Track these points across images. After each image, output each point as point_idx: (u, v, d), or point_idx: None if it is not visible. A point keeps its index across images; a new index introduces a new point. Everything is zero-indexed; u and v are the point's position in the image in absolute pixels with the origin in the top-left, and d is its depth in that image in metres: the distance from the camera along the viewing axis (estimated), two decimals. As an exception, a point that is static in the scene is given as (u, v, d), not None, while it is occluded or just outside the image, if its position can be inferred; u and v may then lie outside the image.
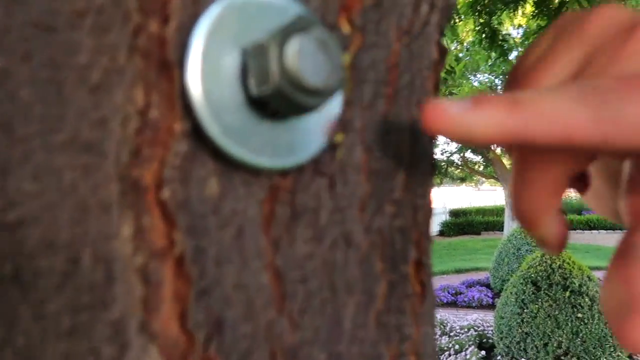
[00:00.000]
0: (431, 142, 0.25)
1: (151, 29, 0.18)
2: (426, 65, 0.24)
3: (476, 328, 4.29)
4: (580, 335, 3.26)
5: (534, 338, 3.36)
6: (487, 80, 9.72)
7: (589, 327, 3.28)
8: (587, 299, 3.33)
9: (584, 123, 0.18)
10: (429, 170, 0.25)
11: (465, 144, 0.20)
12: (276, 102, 0.18)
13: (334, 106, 0.20)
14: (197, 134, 0.19)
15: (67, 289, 0.18)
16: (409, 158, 0.23)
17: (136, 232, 0.18)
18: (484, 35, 4.27)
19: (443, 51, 0.26)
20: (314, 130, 0.20)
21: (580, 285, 3.38)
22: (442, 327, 4.06)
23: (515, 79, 0.24)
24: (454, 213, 16.17)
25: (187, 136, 0.19)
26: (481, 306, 5.82)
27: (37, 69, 0.18)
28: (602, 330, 3.26)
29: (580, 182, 0.27)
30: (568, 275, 3.41)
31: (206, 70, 0.18)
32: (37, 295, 0.18)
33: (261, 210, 0.20)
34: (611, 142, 0.18)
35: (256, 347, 0.20)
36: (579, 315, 3.30)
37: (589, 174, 0.27)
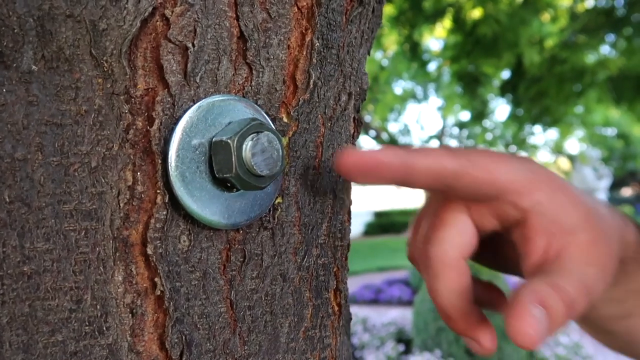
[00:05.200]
0: (349, 197, 0.33)
1: (139, 126, 0.25)
2: (345, 140, 0.32)
3: (396, 324, 4.51)
4: (488, 328, 3.55)
5: (447, 332, 3.62)
6: (409, 87, 10.19)
7: (493, 320, 3.58)
8: (494, 295, 3.63)
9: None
10: (347, 219, 0.32)
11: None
12: (234, 182, 0.25)
13: (276, 179, 0.27)
14: (173, 203, 0.25)
15: (72, 322, 0.24)
16: (331, 211, 0.31)
17: (126, 278, 0.24)
18: (406, 47, 4.50)
19: (359, 124, 0.34)
20: (259, 197, 0.27)
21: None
22: (364, 324, 4.22)
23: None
24: (378, 214, 16.73)
25: (166, 205, 0.25)
26: (401, 303, 6.09)
27: (49, 156, 0.23)
28: (503, 322, 3.58)
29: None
30: (477, 273, 3.70)
31: (182, 158, 0.25)
32: (48, 328, 0.23)
33: (220, 257, 0.27)
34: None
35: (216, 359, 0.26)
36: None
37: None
